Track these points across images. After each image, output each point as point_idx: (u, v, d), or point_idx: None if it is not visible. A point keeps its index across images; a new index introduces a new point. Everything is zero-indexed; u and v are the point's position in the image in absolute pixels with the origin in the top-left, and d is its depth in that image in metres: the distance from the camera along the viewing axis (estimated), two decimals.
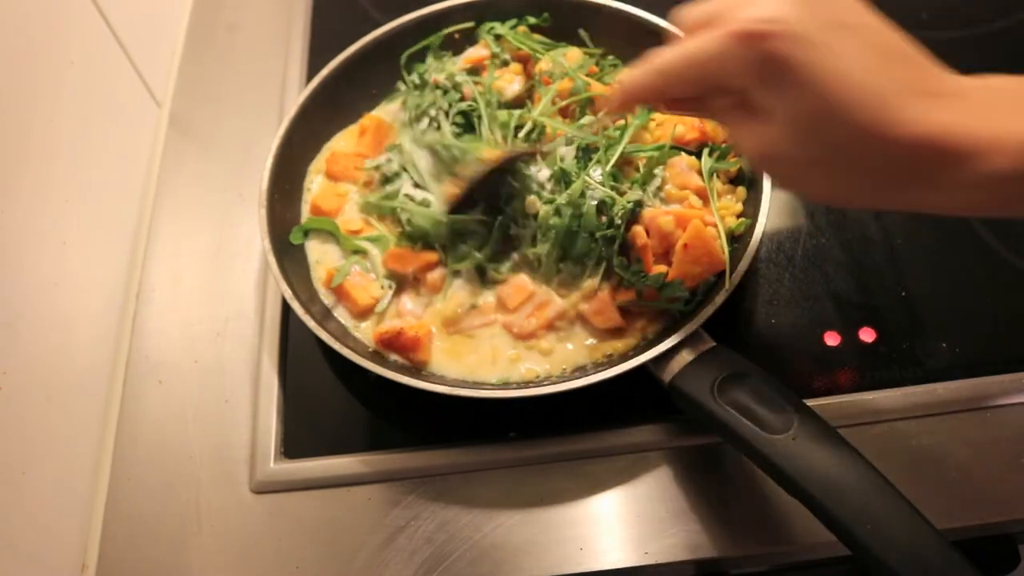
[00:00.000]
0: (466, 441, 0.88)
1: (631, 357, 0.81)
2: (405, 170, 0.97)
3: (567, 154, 0.94)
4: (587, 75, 1.01)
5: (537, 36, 1.08)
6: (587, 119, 0.96)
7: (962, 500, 0.81)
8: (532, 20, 1.08)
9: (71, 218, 0.95)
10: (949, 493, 0.82)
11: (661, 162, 0.93)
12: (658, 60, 0.62)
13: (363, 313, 0.93)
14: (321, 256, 0.97)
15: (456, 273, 0.92)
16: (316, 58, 1.19)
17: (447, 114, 1.01)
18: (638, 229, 0.89)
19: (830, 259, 0.97)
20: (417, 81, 1.07)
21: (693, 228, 0.86)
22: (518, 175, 0.92)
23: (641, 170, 0.92)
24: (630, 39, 1.05)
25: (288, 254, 0.94)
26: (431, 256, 0.92)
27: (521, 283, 0.90)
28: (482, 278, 0.92)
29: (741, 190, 0.94)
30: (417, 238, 0.93)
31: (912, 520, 0.66)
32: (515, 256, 0.92)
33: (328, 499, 0.86)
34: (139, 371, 0.96)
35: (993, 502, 0.81)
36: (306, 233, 0.98)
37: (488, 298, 0.92)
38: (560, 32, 1.08)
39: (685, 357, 0.80)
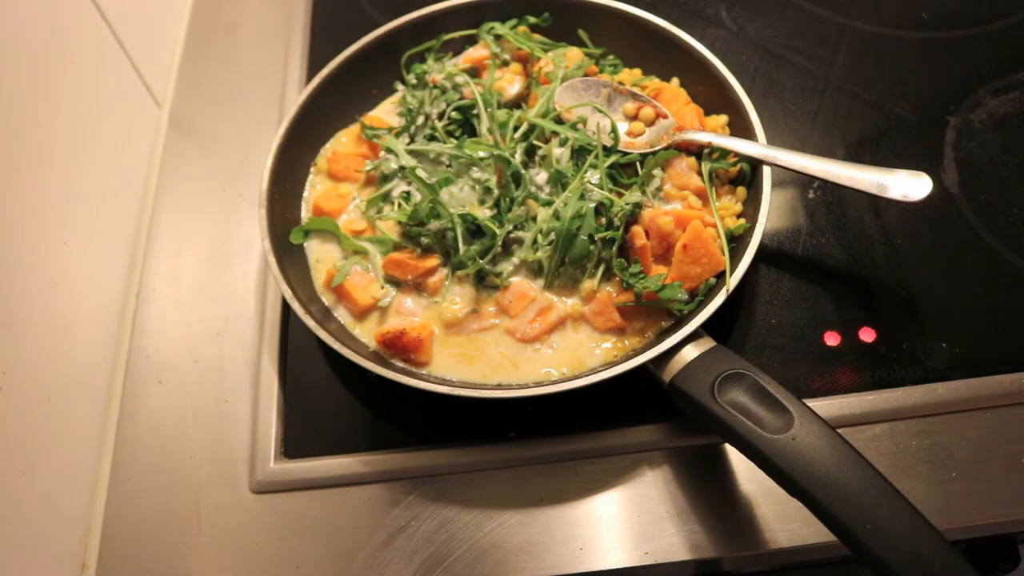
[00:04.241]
0: (466, 441, 0.88)
1: (631, 357, 0.82)
2: (402, 168, 0.97)
3: (562, 156, 0.94)
4: (586, 75, 1.01)
5: (537, 36, 1.08)
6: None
7: (962, 500, 0.81)
8: (532, 20, 1.08)
9: (71, 218, 0.95)
10: (949, 493, 0.82)
11: (660, 163, 0.93)
12: None
13: (363, 313, 0.93)
14: (321, 256, 0.97)
15: (456, 277, 0.92)
16: (316, 58, 1.19)
17: (441, 115, 1.01)
18: (637, 230, 0.89)
19: (830, 259, 0.97)
20: (415, 81, 1.07)
21: (693, 228, 0.86)
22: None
23: (640, 171, 0.92)
24: (630, 39, 1.06)
25: (288, 254, 0.94)
26: (430, 262, 0.92)
27: (523, 290, 0.90)
28: (481, 283, 0.92)
29: (741, 190, 0.94)
30: (417, 237, 0.93)
31: (912, 520, 0.66)
32: (514, 260, 0.92)
33: (328, 499, 0.86)
34: (139, 371, 0.96)
35: (993, 502, 0.81)
36: (306, 233, 0.98)
37: (487, 302, 0.92)
38: (560, 32, 1.08)
39: (685, 357, 0.80)
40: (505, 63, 1.06)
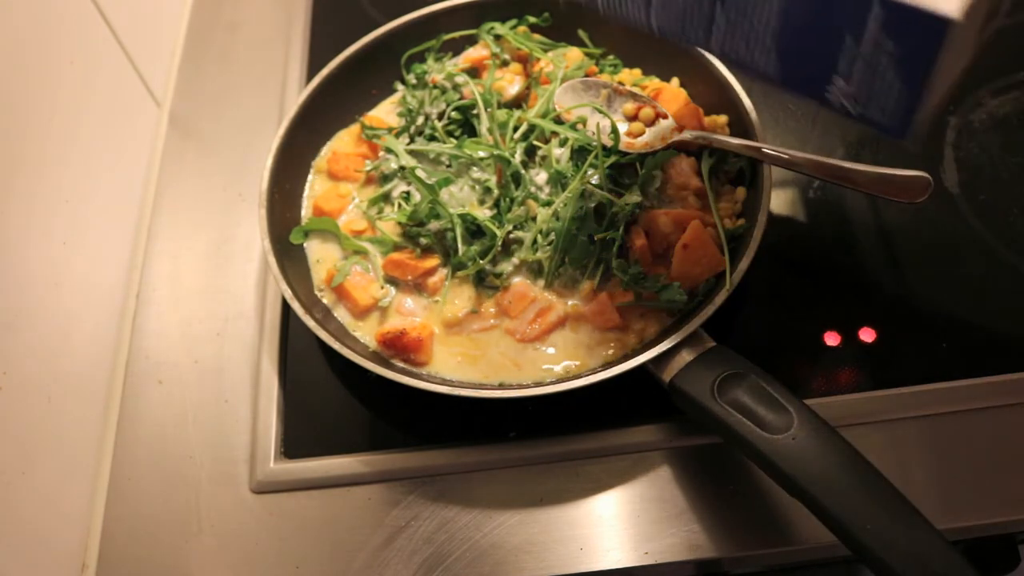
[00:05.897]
0: (466, 441, 0.88)
1: (631, 357, 0.81)
2: (402, 168, 0.97)
3: (562, 156, 0.94)
4: (586, 75, 1.01)
5: (537, 36, 1.08)
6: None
7: (962, 500, 0.81)
8: (532, 20, 1.08)
9: (71, 218, 0.95)
10: (949, 493, 0.82)
11: (660, 163, 0.93)
12: None
13: (363, 313, 0.93)
14: (321, 256, 0.97)
15: (456, 278, 0.92)
16: (316, 58, 1.19)
17: (441, 115, 1.01)
18: (637, 230, 0.89)
19: (830, 259, 0.97)
20: (415, 81, 1.07)
21: (693, 228, 0.86)
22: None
23: (640, 171, 0.92)
24: (630, 39, 1.06)
25: (288, 254, 0.94)
26: (430, 263, 0.92)
27: (523, 290, 0.90)
28: (481, 283, 0.92)
29: (741, 190, 0.94)
30: (416, 237, 0.93)
31: (912, 520, 0.66)
32: (514, 260, 0.92)
33: (328, 499, 0.86)
34: (139, 371, 0.96)
35: (993, 502, 0.81)
36: (306, 233, 0.98)
37: (487, 302, 0.91)
38: (560, 32, 1.08)
39: (685, 357, 0.80)
40: (505, 63, 1.06)
